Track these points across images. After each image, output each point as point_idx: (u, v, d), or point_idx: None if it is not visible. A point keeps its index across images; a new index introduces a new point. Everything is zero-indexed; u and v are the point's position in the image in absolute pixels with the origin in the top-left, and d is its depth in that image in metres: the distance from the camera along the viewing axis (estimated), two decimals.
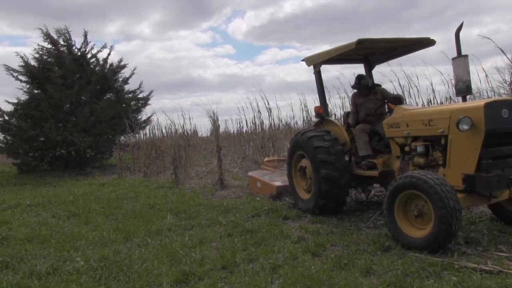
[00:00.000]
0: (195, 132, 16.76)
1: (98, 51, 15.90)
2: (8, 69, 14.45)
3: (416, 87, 10.13)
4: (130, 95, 16.61)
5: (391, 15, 64.37)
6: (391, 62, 6.82)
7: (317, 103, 6.39)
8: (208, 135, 17.75)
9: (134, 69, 16.61)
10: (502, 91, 8.55)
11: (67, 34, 15.22)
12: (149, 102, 17.05)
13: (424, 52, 10.33)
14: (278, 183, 7.19)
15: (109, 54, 16.03)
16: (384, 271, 3.45)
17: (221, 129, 15.10)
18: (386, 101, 5.90)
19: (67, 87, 14.30)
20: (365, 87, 6.03)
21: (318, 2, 65.55)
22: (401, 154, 5.06)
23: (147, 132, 16.32)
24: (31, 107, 14.04)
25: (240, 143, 15.98)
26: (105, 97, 15.84)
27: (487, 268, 3.33)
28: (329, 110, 11.18)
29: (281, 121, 14.09)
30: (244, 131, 15.88)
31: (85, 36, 15.58)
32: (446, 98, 9.67)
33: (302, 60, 6.32)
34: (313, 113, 6.61)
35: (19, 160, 15.10)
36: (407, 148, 4.89)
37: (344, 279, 3.30)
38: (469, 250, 3.88)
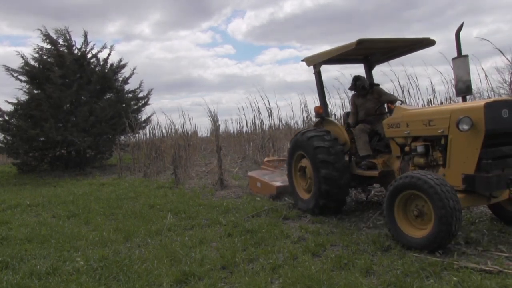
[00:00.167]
0: (195, 132, 16.77)
1: (99, 51, 15.95)
2: (8, 69, 14.47)
3: (417, 86, 10.15)
4: (130, 95, 16.62)
5: (391, 15, 64.42)
6: (392, 62, 6.82)
7: (317, 103, 6.39)
8: (208, 135, 17.76)
9: (134, 69, 16.65)
10: (502, 91, 8.56)
11: (67, 34, 15.25)
12: (149, 102, 17.10)
13: (424, 52, 10.34)
14: (278, 183, 7.18)
15: (109, 54, 16.07)
16: (384, 271, 3.45)
17: (221, 129, 15.12)
18: (384, 102, 5.91)
19: (66, 87, 14.31)
20: (361, 88, 6.05)
21: (318, 2, 65.60)
22: (401, 154, 5.06)
23: (147, 132, 16.34)
24: (31, 107, 14.05)
25: (240, 143, 15.98)
26: (105, 97, 15.84)
27: (487, 268, 3.33)
28: (329, 110, 11.22)
29: (281, 121, 14.11)
30: (244, 131, 15.89)
31: (85, 36, 15.62)
32: (446, 98, 9.69)
33: (302, 60, 6.31)
34: (313, 113, 6.61)
35: (19, 160, 15.10)
36: (407, 148, 4.89)
37: (344, 279, 3.30)
38: (469, 250, 3.88)
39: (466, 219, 5.00)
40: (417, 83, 12.53)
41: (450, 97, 9.40)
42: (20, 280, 3.71)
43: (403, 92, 10.11)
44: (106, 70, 15.74)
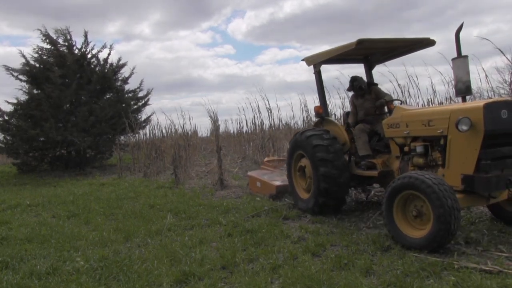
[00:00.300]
0: (195, 132, 16.76)
1: (98, 51, 15.95)
2: (8, 69, 14.47)
3: (417, 86, 10.15)
4: (130, 94, 16.62)
5: (391, 15, 64.44)
6: (393, 62, 6.82)
7: (317, 103, 6.39)
8: (208, 135, 17.76)
9: (133, 68, 16.63)
10: (502, 91, 8.56)
11: (68, 34, 15.25)
12: (149, 102, 17.09)
13: (424, 52, 10.34)
14: (277, 183, 7.19)
15: (109, 54, 16.06)
16: (384, 271, 3.45)
17: (221, 129, 15.13)
18: (377, 103, 5.91)
19: (66, 87, 14.31)
20: (358, 89, 6.05)
21: (318, 2, 65.61)
22: (400, 154, 5.06)
23: (147, 132, 16.33)
24: (31, 107, 14.04)
25: (240, 143, 15.98)
26: (105, 97, 15.84)
27: (487, 268, 3.33)
28: (329, 110, 11.21)
29: (281, 121, 14.11)
30: (244, 131, 15.89)
31: (86, 36, 15.62)
32: (446, 98, 9.69)
33: (302, 60, 6.31)
34: (313, 113, 6.62)
35: (19, 160, 15.10)
36: (406, 148, 4.89)
37: (344, 279, 3.30)
38: (469, 250, 3.88)
39: (466, 219, 5.01)
40: (417, 83, 12.53)
41: (450, 97, 9.41)
42: (20, 280, 3.70)
43: (403, 92, 10.12)
44: (106, 70, 15.74)
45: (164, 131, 15.47)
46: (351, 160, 5.82)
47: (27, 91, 14.58)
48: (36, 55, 14.87)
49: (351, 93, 6.48)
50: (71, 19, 58.14)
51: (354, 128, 5.79)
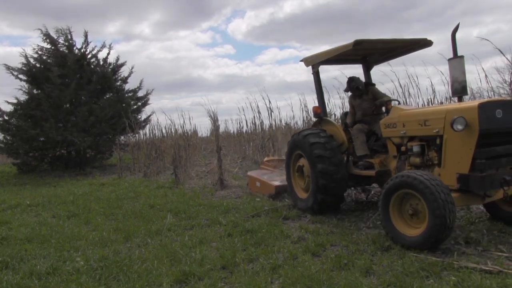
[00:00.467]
0: (195, 132, 16.74)
1: (98, 51, 15.95)
2: (9, 68, 14.47)
3: (417, 86, 10.15)
4: (130, 94, 16.61)
5: (390, 15, 64.46)
6: (393, 61, 6.83)
7: (317, 103, 6.40)
8: (208, 135, 17.73)
9: (132, 67, 16.63)
10: (502, 91, 8.56)
11: (68, 34, 15.25)
12: (148, 102, 17.08)
13: (424, 52, 10.36)
14: (277, 183, 7.20)
15: (108, 54, 16.07)
16: (384, 271, 3.45)
17: (221, 129, 15.12)
18: (376, 102, 5.93)
19: (66, 86, 14.30)
20: (355, 89, 6.08)
21: (318, 2, 65.62)
22: (397, 154, 5.09)
23: (147, 132, 16.32)
24: (31, 107, 14.05)
25: (240, 143, 15.97)
26: (105, 97, 15.84)
27: (487, 268, 3.33)
28: (329, 110, 11.22)
29: (281, 121, 14.11)
30: (244, 131, 15.89)
31: (86, 36, 15.62)
32: (446, 98, 9.70)
33: (301, 61, 6.34)
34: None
35: (19, 160, 15.10)
36: (403, 148, 4.93)
37: (344, 279, 3.30)
38: (469, 250, 3.88)
39: (466, 219, 5.01)
40: (417, 83, 12.53)
41: (450, 97, 9.41)
42: (20, 280, 3.71)
43: (403, 92, 10.13)
44: (106, 70, 15.74)
45: (164, 131, 15.49)
46: (349, 160, 5.84)
47: (27, 91, 14.59)
48: (36, 55, 14.89)
49: (349, 94, 6.51)
50: (71, 19, 58.19)
51: (352, 128, 5.83)
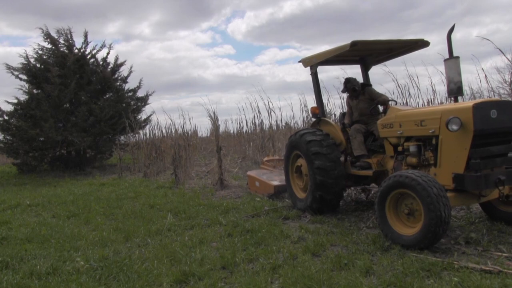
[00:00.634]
0: (195, 132, 16.74)
1: (98, 51, 15.95)
2: (9, 67, 14.47)
3: (417, 86, 10.16)
4: (130, 94, 16.61)
5: (390, 15, 64.47)
6: (393, 61, 6.83)
7: (316, 104, 6.43)
8: (208, 135, 17.72)
9: (131, 67, 16.63)
10: (502, 91, 8.56)
11: (69, 34, 15.25)
12: (148, 102, 17.07)
13: (424, 52, 10.37)
14: (276, 182, 7.23)
15: (108, 53, 16.07)
16: (384, 271, 3.46)
17: (221, 129, 15.10)
18: (379, 99, 5.95)
19: (65, 86, 14.30)
20: (352, 90, 6.10)
21: (318, 2, 65.60)
22: (394, 154, 5.12)
23: (147, 132, 16.31)
24: (31, 107, 14.04)
25: (240, 143, 15.97)
26: (104, 97, 15.83)
27: (487, 268, 3.33)
28: (329, 110, 11.23)
29: (281, 121, 14.12)
30: (244, 131, 15.91)
31: (86, 36, 15.62)
32: (446, 98, 9.69)
33: (299, 62, 6.37)
34: None
35: (19, 160, 15.09)
36: (400, 148, 4.96)
37: (344, 279, 3.30)
38: (469, 250, 3.88)
39: (466, 219, 5.01)
40: (417, 83, 12.53)
41: (448, 97, 9.40)
42: (20, 280, 3.71)
43: (403, 92, 10.13)
44: (105, 70, 15.72)
45: (164, 131, 15.50)
46: (347, 160, 5.86)
47: (27, 90, 14.59)
48: (36, 55, 14.88)
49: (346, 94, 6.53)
50: (71, 19, 58.12)
51: (350, 129, 5.84)
